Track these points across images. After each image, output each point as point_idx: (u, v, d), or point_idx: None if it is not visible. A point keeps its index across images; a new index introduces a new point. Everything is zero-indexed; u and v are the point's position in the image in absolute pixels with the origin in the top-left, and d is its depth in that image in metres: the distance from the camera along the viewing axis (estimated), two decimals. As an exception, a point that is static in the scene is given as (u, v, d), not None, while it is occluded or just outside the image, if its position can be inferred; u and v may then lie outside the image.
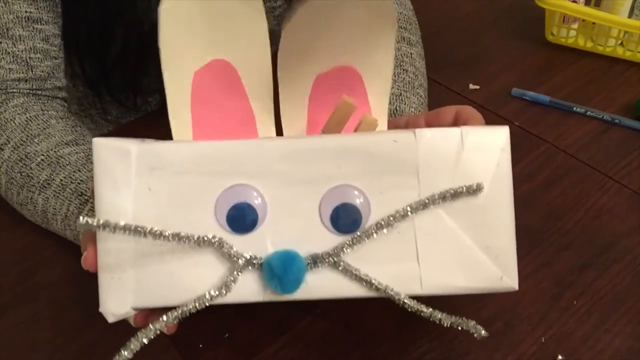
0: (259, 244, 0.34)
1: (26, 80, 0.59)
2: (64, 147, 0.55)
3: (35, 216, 0.55)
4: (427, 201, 0.33)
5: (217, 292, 0.33)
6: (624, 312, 0.46)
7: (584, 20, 0.74)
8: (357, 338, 0.46)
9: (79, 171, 0.53)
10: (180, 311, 0.33)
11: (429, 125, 0.43)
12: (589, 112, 0.65)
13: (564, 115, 0.65)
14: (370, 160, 0.34)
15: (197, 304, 0.33)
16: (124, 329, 0.49)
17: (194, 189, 0.33)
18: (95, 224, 0.31)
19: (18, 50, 0.58)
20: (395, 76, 0.59)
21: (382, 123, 0.41)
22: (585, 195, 0.56)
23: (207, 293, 0.33)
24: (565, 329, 0.45)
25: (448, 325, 0.34)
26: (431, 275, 0.34)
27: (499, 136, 0.34)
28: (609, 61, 0.74)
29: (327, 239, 0.34)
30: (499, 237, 0.34)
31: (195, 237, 0.32)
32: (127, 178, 0.33)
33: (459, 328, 0.35)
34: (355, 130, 0.39)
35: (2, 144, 0.55)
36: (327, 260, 0.33)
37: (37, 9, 0.59)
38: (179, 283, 0.34)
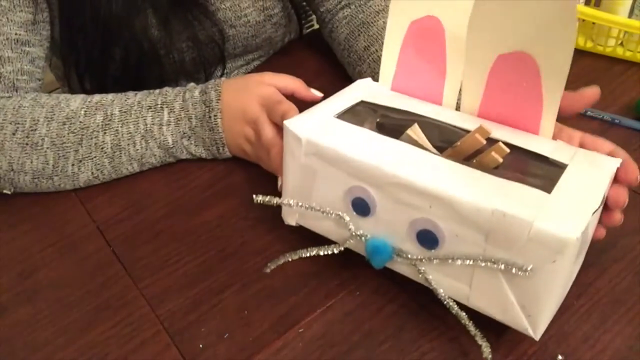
0: (369, 226, 0.46)
1: None
2: (93, 97, 0.60)
3: (103, 159, 0.59)
4: (486, 260, 0.40)
5: (339, 244, 0.48)
6: (624, 312, 0.46)
7: (584, 20, 0.74)
8: (357, 338, 0.46)
9: (129, 98, 0.60)
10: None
11: (583, 145, 0.47)
12: (589, 112, 0.65)
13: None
14: (455, 213, 0.40)
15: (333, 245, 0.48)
16: (124, 329, 0.49)
17: (335, 176, 0.46)
18: (267, 200, 0.48)
19: (6, 72, 0.60)
20: None
21: (549, 123, 0.46)
22: (585, 195, 0.56)
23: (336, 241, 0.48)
24: (565, 328, 0.45)
25: (473, 333, 0.43)
26: (476, 298, 0.43)
27: (563, 243, 0.37)
28: (609, 61, 0.74)
29: (409, 244, 0.44)
30: (538, 304, 0.40)
31: (333, 214, 0.47)
32: (299, 155, 0.47)
33: (476, 339, 0.42)
34: (480, 155, 0.45)
35: (31, 125, 0.57)
36: (407, 258, 0.44)
37: (26, 31, 0.61)
38: (321, 226, 0.50)
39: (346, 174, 0.45)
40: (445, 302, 0.43)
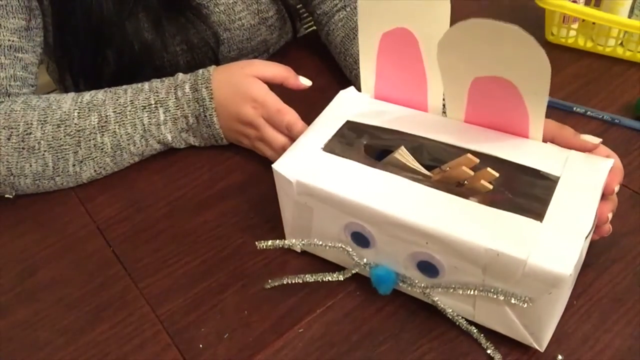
0: (371, 255, 0.47)
1: None
2: (83, 97, 0.60)
3: (104, 158, 0.60)
4: (485, 290, 0.42)
5: (344, 272, 0.50)
6: (624, 312, 0.46)
7: (584, 20, 0.74)
8: (357, 338, 0.46)
9: (120, 97, 0.60)
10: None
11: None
12: (589, 112, 0.65)
13: (564, 116, 0.65)
14: (451, 249, 0.41)
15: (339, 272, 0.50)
16: (124, 329, 0.49)
17: (331, 213, 0.46)
18: (271, 244, 0.48)
19: (0, 78, 0.60)
20: None
21: (537, 126, 0.46)
22: (585, 195, 0.56)
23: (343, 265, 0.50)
24: (565, 329, 0.45)
25: (485, 346, 0.45)
26: (481, 318, 0.45)
27: (558, 279, 0.38)
28: (609, 61, 0.74)
29: (412, 272, 0.46)
30: (540, 325, 0.42)
31: (335, 247, 0.48)
32: (292, 194, 0.48)
33: (488, 351, 0.44)
34: (470, 178, 0.45)
35: (25, 129, 0.57)
36: (412, 284, 0.46)
37: (19, 38, 0.62)
38: (326, 254, 0.51)
39: (341, 212, 0.46)
40: (454, 320, 0.45)
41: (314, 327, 0.47)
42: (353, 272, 0.49)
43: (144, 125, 0.60)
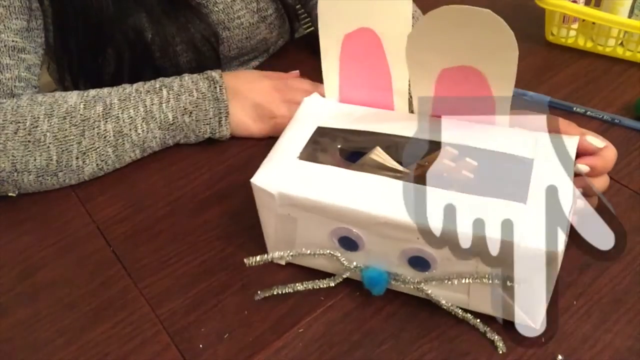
0: (361, 258, 0.47)
1: None
2: (89, 92, 0.61)
3: (106, 148, 0.60)
4: (480, 277, 0.42)
5: (334, 278, 0.49)
6: (624, 312, 0.46)
7: (584, 20, 0.74)
8: (357, 338, 0.46)
9: (126, 88, 0.62)
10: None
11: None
12: (589, 112, 0.65)
13: (564, 115, 0.65)
14: (442, 241, 0.41)
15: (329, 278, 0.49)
16: (124, 329, 0.49)
17: (316, 221, 0.46)
18: (259, 260, 0.48)
19: (5, 79, 0.61)
20: None
21: (504, 120, 0.47)
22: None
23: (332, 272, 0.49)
24: (565, 329, 0.45)
25: (483, 330, 0.45)
26: (476, 304, 0.45)
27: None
28: (609, 61, 0.74)
29: (404, 269, 0.46)
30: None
31: (323, 253, 0.47)
32: (274, 207, 0.47)
33: (487, 335, 0.45)
34: (450, 171, 0.45)
35: (32, 123, 0.58)
36: (405, 281, 0.46)
37: (22, 38, 0.62)
38: (314, 263, 0.50)
39: (327, 218, 0.45)
40: (450, 311, 0.46)
41: (314, 327, 0.47)
42: (344, 276, 0.48)
43: (146, 106, 0.60)
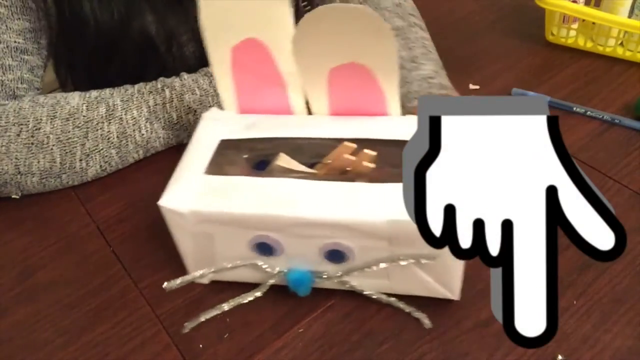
0: (282, 262, 0.47)
1: None
2: (91, 93, 0.61)
3: (110, 150, 0.60)
4: (396, 260, 0.44)
5: (261, 286, 0.49)
6: (624, 312, 0.46)
7: (584, 20, 0.74)
8: (357, 338, 0.46)
9: (128, 89, 0.61)
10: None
11: None
12: (589, 112, 0.65)
13: (564, 116, 0.65)
14: (355, 231, 0.43)
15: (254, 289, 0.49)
16: (124, 329, 0.49)
17: (233, 233, 0.45)
18: (180, 282, 0.48)
19: (7, 80, 0.60)
20: (425, 55, 0.64)
21: (396, 109, 0.50)
22: (585, 195, 0.56)
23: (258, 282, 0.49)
24: (565, 329, 0.45)
25: (408, 310, 0.47)
26: (397, 287, 0.47)
27: None
28: (609, 61, 0.74)
29: (325, 265, 0.46)
30: (450, 274, 0.45)
31: (247, 262, 0.47)
32: (187, 226, 0.46)
33: (413, 315, 0.47)
34: (353, 164, 0.47)
35: (34, 125, 0.58)
36: (328, 277, 0.47)
37: (25, 40, 0.61)
38: (238, 276, 0.49)
39: (243, 228, 0.45)
40: (375, 297, 0.47)
41: (314, 327, 0.47)
42: (269, 284, 0.48)
43: (149, 107, 0.60)
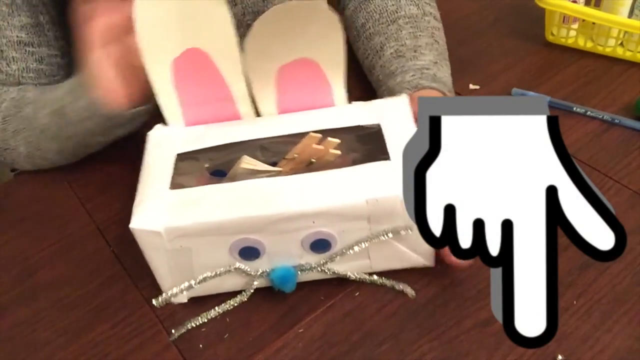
0: (265, 262, 0.47)
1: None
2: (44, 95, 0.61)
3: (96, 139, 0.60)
4: (375, 237, 0.46)
5: (245, 291, 0.49)
6: (624, 312, 0.46)
7: (584, 20, 0.74)
8: (357, 338, 0.46)
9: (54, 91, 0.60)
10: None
11: None
12: (589, 112, 0.65)
13: (564, 115, 0.65)
14: (336, 216, 0.44)
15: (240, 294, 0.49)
16: (124, 329, 0.49)
17: (213, 242, 0.45)
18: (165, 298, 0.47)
19: (11, 70, 0.62)
20: (429, 45, 0.63)
21: (340, 93, 0.52)
22: (585, 195, 0.56)
23: (242, 290, 0.49)
24: (565, 329, 0.45)
25: (390, 285, 0.49)
26: (378, 265, 0.49)
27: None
28: (609, 61, 0.74)
29: (307, 257, 0.47)
30: (423, 244, 0.42)
31: (227, 271, 0.47)
32: (162, 244, 0.45)
33: (396, 287, 0.49)
34: (318, 155, 0.48)
35: (36, 110, 0.59)
36: (311, 268, 0.48)
37: (28, 34, 0.63)
38: (220, 286, 0.49)
39: (222, 235, 0.45)
40: (358, 279, 0.49)
41: (314, 327, 0.47)
42: (254, 286, 0.48)
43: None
